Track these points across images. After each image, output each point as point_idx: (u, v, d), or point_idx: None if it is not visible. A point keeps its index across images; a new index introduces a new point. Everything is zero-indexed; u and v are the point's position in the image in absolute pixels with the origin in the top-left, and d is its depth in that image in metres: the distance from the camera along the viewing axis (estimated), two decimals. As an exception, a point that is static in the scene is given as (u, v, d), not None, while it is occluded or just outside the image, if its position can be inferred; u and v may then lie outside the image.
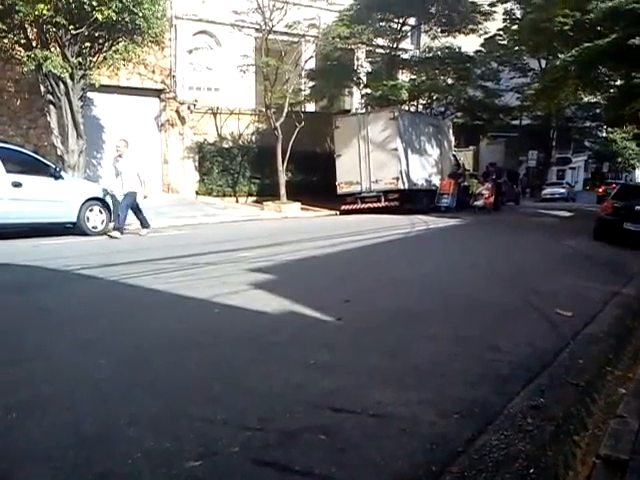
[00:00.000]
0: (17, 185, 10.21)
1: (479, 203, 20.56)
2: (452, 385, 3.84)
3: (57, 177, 10.88)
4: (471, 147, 28.55)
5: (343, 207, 19.40)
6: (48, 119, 13.76)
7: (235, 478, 2.59)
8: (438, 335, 5.00)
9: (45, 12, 11.75)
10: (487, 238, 13.52)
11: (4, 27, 12.61)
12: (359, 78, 23.45)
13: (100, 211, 11.39)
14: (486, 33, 25.99)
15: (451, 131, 24.69)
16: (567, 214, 23.17)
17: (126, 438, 2.87)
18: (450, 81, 24.23)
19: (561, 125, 37.94)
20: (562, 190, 36.64)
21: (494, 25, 26.51)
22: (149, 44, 14.09)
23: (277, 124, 19.57)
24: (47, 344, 4.34)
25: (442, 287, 7.14)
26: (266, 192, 20.82)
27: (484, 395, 3.68)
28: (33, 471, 2.57)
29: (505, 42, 29.15)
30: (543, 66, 31.48)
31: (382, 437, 3.09)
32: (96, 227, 11.25)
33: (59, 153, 13.56)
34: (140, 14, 12.61)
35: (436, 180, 21.13)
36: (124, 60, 13.87)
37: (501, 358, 4.45)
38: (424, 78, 23.19)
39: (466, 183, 22.50)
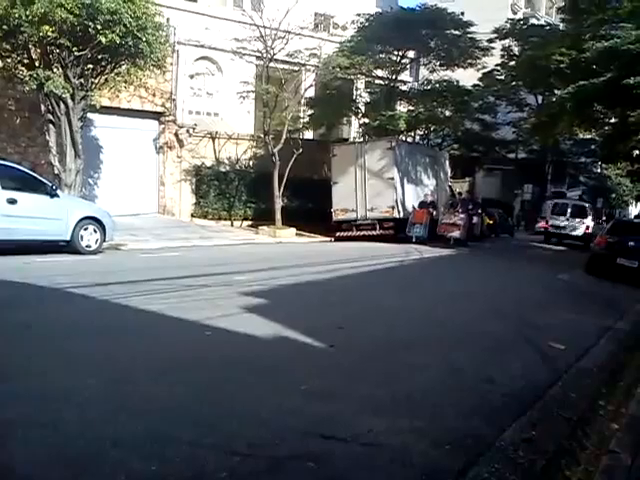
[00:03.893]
0: (12, 202, 10.18)
1: (455, 234, 18.98)
2: (444, 415, 3.81)
3: (53, 195, 10.85)
4: (467, 179, 28.73)
5: (338, 234, 19.41)
6: (47, 138, 13.78)
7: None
8: (431, 365, 4.97)
9: (50, 33, 11.85)
10: (481, 269, 13.54)
11: (8, 47, 12.69)
12: (358, 108, 23.69)
13: (95, 230, 11.33)
14: (484, 68, 26.33)
15: (447, 162, 24.86)
16: (560, 247, 23.26)
17: (111, 460, 2.82)
18: (448, 113, 24.47)
19: (556, 160, 38.24)
20: (556, 224, 36.75)
21: (492, 60, 26.88)
22: (151, 68, 14.18)
23: (275, 150, 19.67)
24: (34, 363, 4.28)
25: (436, 317, 7.12)
26: (262, 217, 20.82)
27: (476, 426, 3.64)
28: None
29: (502, 77, 29.53)
30: (540, 101, 31.85)
31: (372, 467, 3.05)
32: (90, 246, 11.18)
33: (56, 172, 13.55)
34: (144, 39, 12.73)
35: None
36: (125, 83, 13.96)
37: (494, 389, 4.42)
38: (422, 109, 23.42)
39: (438, 213, 20.58)
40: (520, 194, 39.66)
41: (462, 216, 19.29)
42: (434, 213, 20.01)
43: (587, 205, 26.09)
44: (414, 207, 19.72)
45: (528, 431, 3.57)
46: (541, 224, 26.83)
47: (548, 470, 3.12)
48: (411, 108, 24.23)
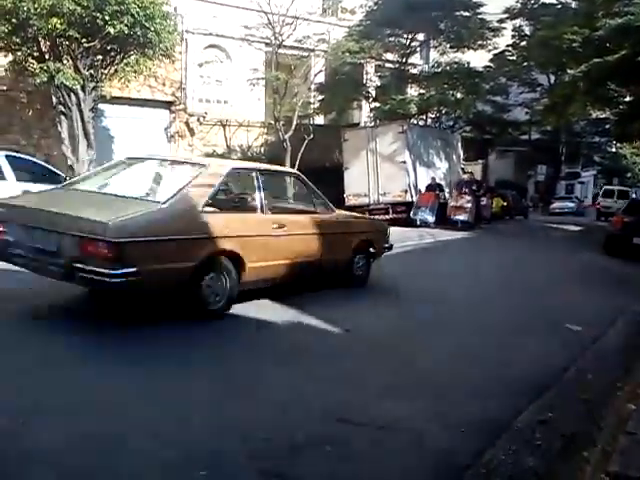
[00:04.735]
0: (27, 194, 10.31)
1: (462, 217, 18.46)
2: (461, 399, 3.81)
3: (67, 187, 10.99)
4: (480, 161, 28.49)
5: (351, 220, 19.37)
6: (59, 129, 13.88)
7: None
8: (448, 348, 4.98)
9: (58, 26, 11.88)
10: (496, 252, 13.46)
11: (18, 40, 12.74)
12: (368, 92, 23.55)
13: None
14: (495, 49, 26.05)
15: (460, 145, 24.68)
16: (576, 228, 23.07)
17: (131, 446, 2.85)
18: (459, 95, 24.28)
19: (570, 140, 37.87)
20: (571, 204, 36.50)
21: (503, 41, 26.56)
22: (160, 57, 14.20)
23: (286, 136, 19.66)
24: None
25: (452, 300, 7.10)
26: (273, 204, 20.91)
27: (493, 409, 3.65)
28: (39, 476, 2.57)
29: (514, 58, 29.16)
30: (552, 82, 31.50)
31: (388, 450, 3.07)
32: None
33: (69, 163, 13.65)
34: (152, 28, 12.73)
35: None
36: (135, 73, 13.98)
37: (509, 372, 4.43)
38: (433, 92, 23.26)
39: (446, 197, 20.24)
40: (534, 175, 39.33)
41: (468, 198, 18.89)
42: (442, 196, 19.74)
43: (631, 189, 35.86)
44: (419, 190, 19.50)
45: (545, 413, 3.56)
46: (594, 205, 34.77)
47: (565, 451, 3.12)
48: (422, 91, 24.05)
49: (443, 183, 20.90)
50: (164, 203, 4.94)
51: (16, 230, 5.02)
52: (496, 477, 2.82)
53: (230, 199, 6.19)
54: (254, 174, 6.01)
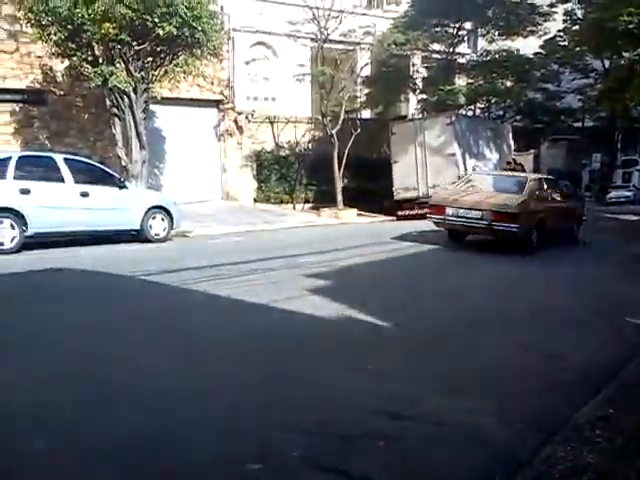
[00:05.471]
0: (85, 195, 10.63)
1: None
2: (516, 394, 3.75)
3: (121, 187, 11.26)
4: (532, 151, 27.74)
5: (400, 213, 19.24)
6: (113, 131, 14.29)
7: (293, 483, 2.62)
8: (500, 342, 4.90)
9: (111, 30, 12.24)
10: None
11: (73, 46, 13.20)
12: (415, 84, 23.27)
13: (162, 219, 11.70)
14: (546, 34, 25.28)
15: (510, 135, 24.10)
16: (634, 218, 22.21)
17: (188, 437, 2.93)
18: (509, 84, 23.71)
19: (627, 126, 36.44)
20: (628, 193, 35.15)
21: (554, 26, 25.76)
22: (208, 57, 14.44)
23: (333, 131, 19.66)
24: (111, 347, 4.49)
25: (504, 293, 6.99)
26: (323, 199, 20.92)
27: (549, 405, 3.58)
28: (101, 463, 2.67)
29: (566, 43, 28.19)
30: (607, 66, 30.38)
31: (443, 445, 3.05)
32: (158, 234, 11.55)
33: (123, 164, 14.04)
34: (199, 28, 12.96)
35: None
36: (184, 73, 14.25)
37: (567, 367, 4.32)
38: (482, 82, 22.80)
39: None
40: (588, 164, 38.04)
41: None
42: None
43: None
44: None
45: (604, 409, 3.47)
46: None
47: (626, 449, 3.03)
48: (470, 81, 23.61)
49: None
50: (523, 194, 10.71)
51: (451, 210, 10.80)
52: (554, 474, 2.76)
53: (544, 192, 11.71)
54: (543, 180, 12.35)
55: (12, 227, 9.61)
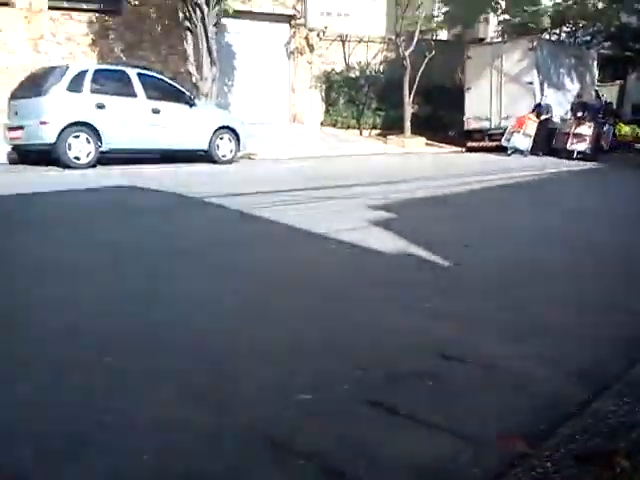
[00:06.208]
0: (156, 112, 10.81)
1: (578, 147, 16.54)
2: (573, 344, 3.70)
3: (191, 105, 11.36)
4: (618, 82, 25.86)
5: (469, 144, 18.67)
6: (185, 46, 14.27)
7: (341, 414, 2.72)
8: (565, 290, 4.79)
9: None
10: (623, 186, 12.47)
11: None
12: (497, 3, 21.83)
13: (230, 139, 11.79)
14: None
15: (595, 63, 22.51)
16: None
17: (242, 367, 3.08)
18: (600, 5, 21.85)
19: None
20: None
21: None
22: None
23: (406, 53, 18.95)
24: (174, 269, 4.68)
25: (573, 239, 6.76)
26: (390, 125, 20.46)
27: (608, 358, 3.51)
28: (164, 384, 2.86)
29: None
30: None
31: (491, 390, 3.08)
32: (225, 155, 11.70)
33: (194, 80, 14.09)
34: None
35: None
36: (258, -17, 13.99)
37: (633, 321, 4.20)
38: (570, 2, 21.12)
39: (554, 121, 18.09)
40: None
41: (589, 124, 17.01)
42: (550, 120, 18.00)
43: None
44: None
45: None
46: None
47: (682, 409, 2.98)
48: (558, 1, 21.93)
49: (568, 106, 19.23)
50: None
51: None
52: (604, 427, 2.76)
53: None
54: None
55: (88, 142, 9.95)
